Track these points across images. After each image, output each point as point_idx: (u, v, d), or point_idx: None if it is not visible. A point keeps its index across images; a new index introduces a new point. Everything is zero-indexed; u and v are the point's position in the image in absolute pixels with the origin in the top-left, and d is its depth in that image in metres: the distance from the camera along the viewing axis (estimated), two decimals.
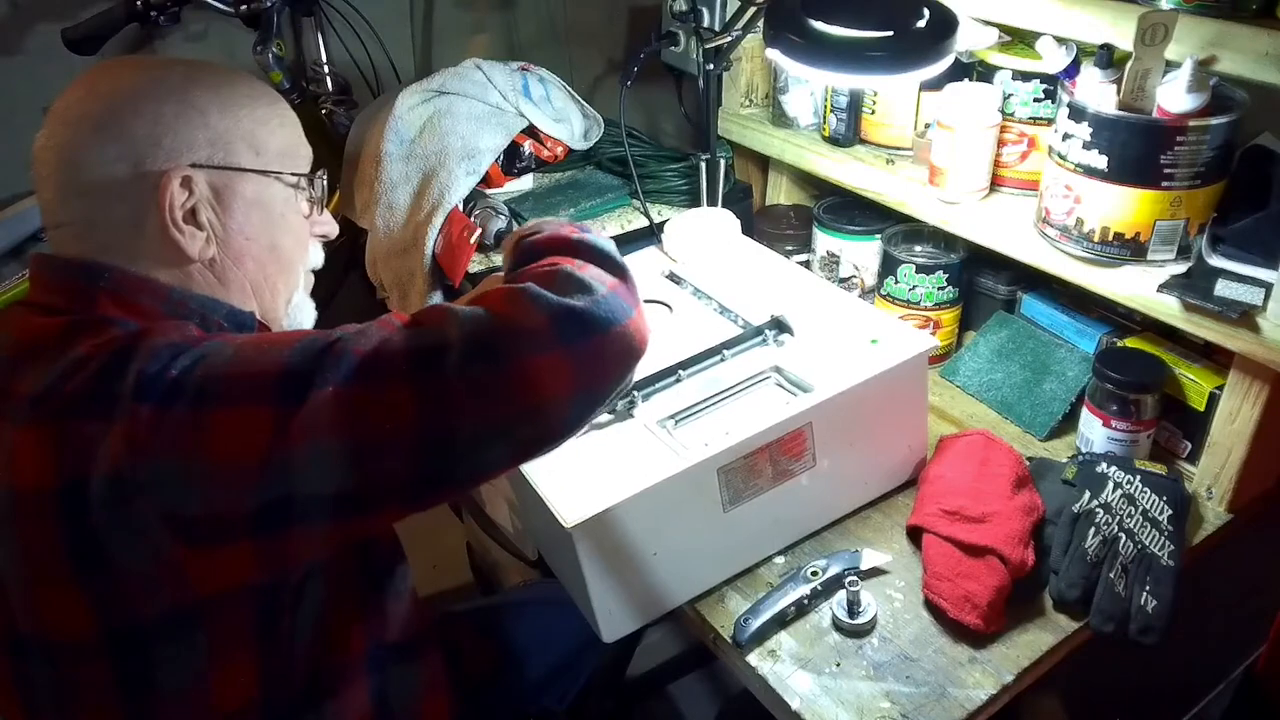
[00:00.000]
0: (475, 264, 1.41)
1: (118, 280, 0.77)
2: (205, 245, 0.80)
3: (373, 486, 0.68)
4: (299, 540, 0.70)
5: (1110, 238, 1.09)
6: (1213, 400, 1.11)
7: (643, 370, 1.08)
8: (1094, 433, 1.16)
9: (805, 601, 1.00)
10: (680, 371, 1.11)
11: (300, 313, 0.93)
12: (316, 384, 0.67)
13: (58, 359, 0.72)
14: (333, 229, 0.93)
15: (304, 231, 0.89)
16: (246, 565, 0.70)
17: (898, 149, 1.40)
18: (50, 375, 0.71)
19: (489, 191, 1.53)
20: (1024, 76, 1.21)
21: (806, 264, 1.51)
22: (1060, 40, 1.10)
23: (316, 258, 0.93)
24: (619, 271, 0.78)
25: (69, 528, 0.69)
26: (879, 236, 1.40)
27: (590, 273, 0.75)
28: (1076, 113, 1.07)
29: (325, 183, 0.91)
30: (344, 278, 1.71)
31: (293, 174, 0.86)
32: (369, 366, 0.68)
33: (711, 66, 1.39)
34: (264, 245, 0.85)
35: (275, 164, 0.84)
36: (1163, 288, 1.05)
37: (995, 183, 1.28)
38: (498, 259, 1.43)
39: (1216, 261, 1.02)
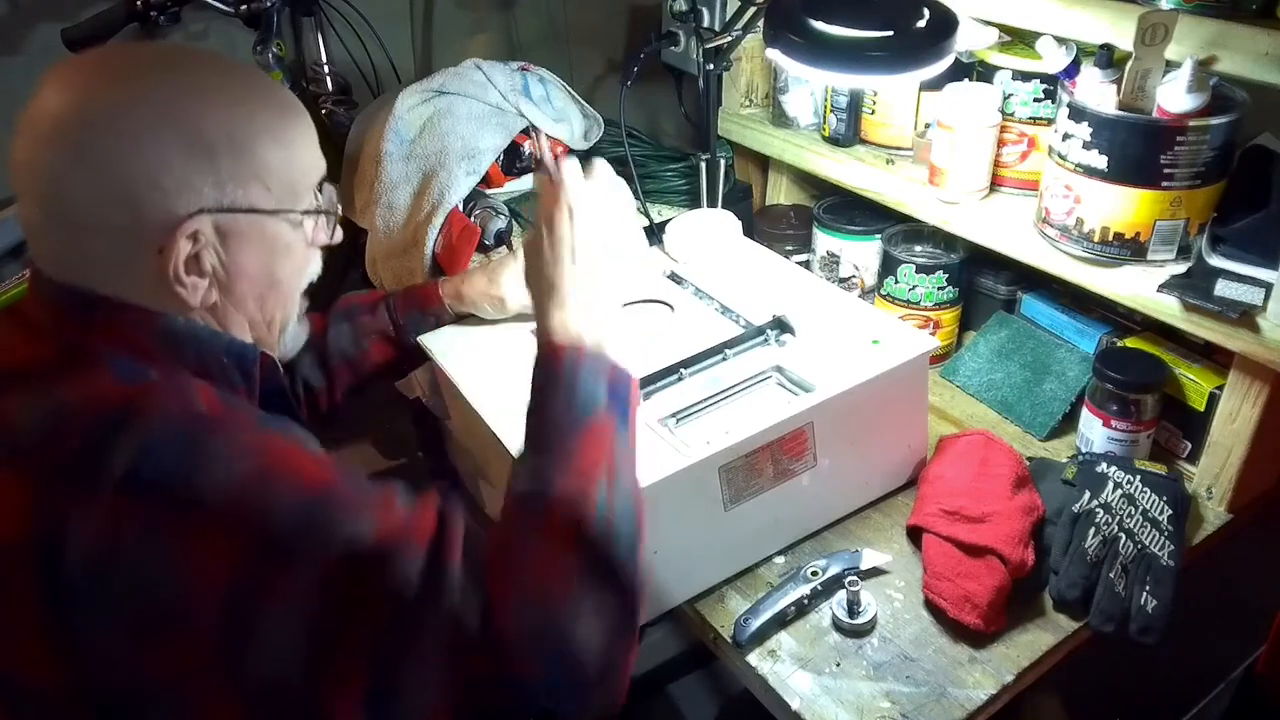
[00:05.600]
0: (475, 264, 1.40)
1: (111, 312, 0.73)
2: (208, 292, 0.75)
3: (323, 675, 0.64)
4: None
5: (1110, 238, 1.09)
6: (1213, 400, 1.11)
7: (645, 369, 1.08)
8: (1094, 433, 1.16)
9: (805, 601, 1.00)
10: (682, 370, 1.11)
11: (294, 342, 0.89)
12: (302, 557, 0.63)
13: (45, 397, 0.67)
14: (335, 237, 0.87)
15: (305, 258, 0.84)
16: (217, 681, 0.64)
17: (898, 149, 1.40)
18: (36, 419, 0.67)
19: (489, 191, 1.52)
20: (1024, 76, 1.21)
21: (806, 264, 1.51)
22: (1060, 40, 1.10)
23: (315, 268, 0.87)
24: (625, 599, 0.70)
25: (41, 582, 0.64)
26: (879, 236, 1.40)
27: (585, 627, 0.66)
28: (1076, 113, 1.07)
29: (335, 196, 0.85)
30: (344, 278, 1.71)
31: (303, 211, 0.80)
32: (367, 570, 0.64)
33: (711, 66, 1.39)
34: (265, 282, 0.79)
35: (288, 199, 0.78)
36: (1163, 288, 1.05)
37: (995, 183, 1.28)
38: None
39: (1216, 261, 1.02)
